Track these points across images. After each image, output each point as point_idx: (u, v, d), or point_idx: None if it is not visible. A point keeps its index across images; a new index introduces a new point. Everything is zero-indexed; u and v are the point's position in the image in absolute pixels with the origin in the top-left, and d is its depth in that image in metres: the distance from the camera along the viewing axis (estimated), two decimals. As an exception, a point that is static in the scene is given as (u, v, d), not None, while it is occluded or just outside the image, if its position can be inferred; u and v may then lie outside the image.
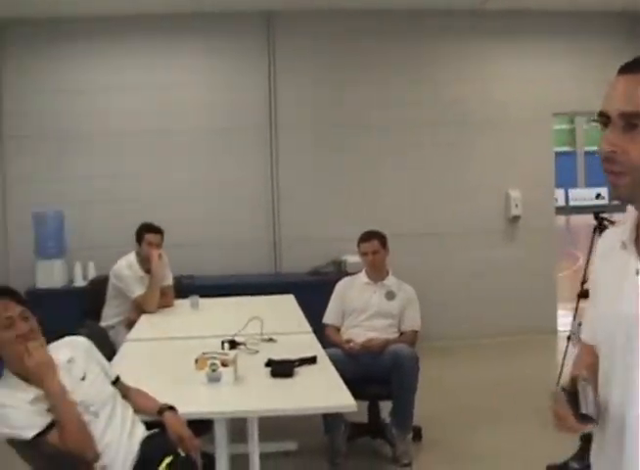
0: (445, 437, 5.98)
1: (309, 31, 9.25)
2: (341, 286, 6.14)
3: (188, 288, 7.29)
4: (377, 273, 6.00)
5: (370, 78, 9.28)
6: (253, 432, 3.97)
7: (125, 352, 4.99)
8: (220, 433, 3.78)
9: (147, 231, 6.57)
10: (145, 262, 6.55)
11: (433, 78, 9.37)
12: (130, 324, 6.09)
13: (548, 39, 9.47)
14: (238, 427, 4.20)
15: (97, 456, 3.18)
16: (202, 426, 3.86)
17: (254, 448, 3.98)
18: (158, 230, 6.61)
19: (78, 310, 6.45)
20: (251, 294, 7.00)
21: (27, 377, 3.19)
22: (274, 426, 4.89)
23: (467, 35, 9.40)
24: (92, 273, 8.56)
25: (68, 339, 3.54)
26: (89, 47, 9.07)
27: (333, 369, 4.31)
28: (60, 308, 6.41)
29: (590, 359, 2.11)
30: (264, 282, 8.48)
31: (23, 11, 8.60)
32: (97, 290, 6.71)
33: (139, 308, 6.40)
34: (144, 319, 6.19)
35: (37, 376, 3.16)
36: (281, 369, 4.18)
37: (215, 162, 9.25)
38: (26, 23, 8.88)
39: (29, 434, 3.08)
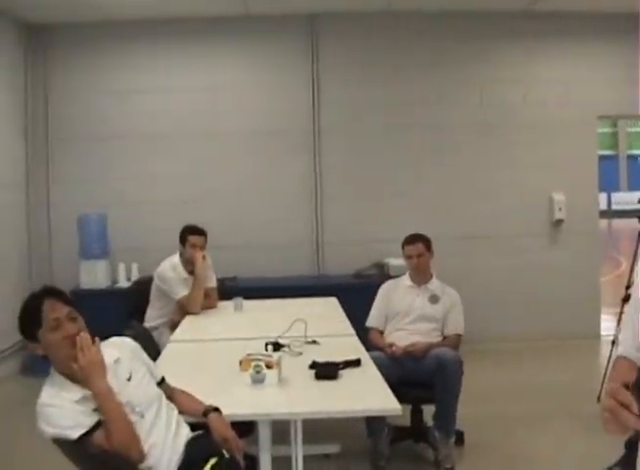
0: (488, 441, 5.92)
1: (352, 33, 9.25)
2: (384, 289, 6.11)
3: (231, 290, 7.32)
4: (421, 276, 5.96)
5: (413, 79, 9.28)
6: (297, 434, 3.94)
7: (169, 353, 5.00)
8: (264, 434, 3.76)
9: (190, 233, 6.60)
10: (188, 264, 6.57)
11: (476, 79, 9.34)
12: (174, 326, 6.12)
13: (593, 41, 9.40)
14: (281, 429, 4.19)
15: (142, 457, 3.17)
16: (245, 427, 3.85)
17: (298, 451, 3.96)
18: (201, 232, 6.63)
19: (121, 311, 6.49)
20: (294, 296, 7.01)
21: (74, 377, 3.19)
22: (317, 428, 4.87)
23: (510, 37, 9.37)
24: (135, 274, 8.66)
25: (114, 339, 3.54)
26: (134, 50, 9.21)
27: (377, 372, 4.28)
28: (103, 309, 6.42)
29: (630, 375, 2.02)
30: (307, 284, 8.47)
31: (69, 15, 8.70)
32: (141, 291, 6.75)
33: (183, 310, 6.43)
34: (187, 321, 6.22)
35: (86, 375, 3.14)
36: (325, 371, 4.16)
37: (258, 163, 9.29)
38: (71, 26, 9.00)
39: (75, 434, 3.07)
